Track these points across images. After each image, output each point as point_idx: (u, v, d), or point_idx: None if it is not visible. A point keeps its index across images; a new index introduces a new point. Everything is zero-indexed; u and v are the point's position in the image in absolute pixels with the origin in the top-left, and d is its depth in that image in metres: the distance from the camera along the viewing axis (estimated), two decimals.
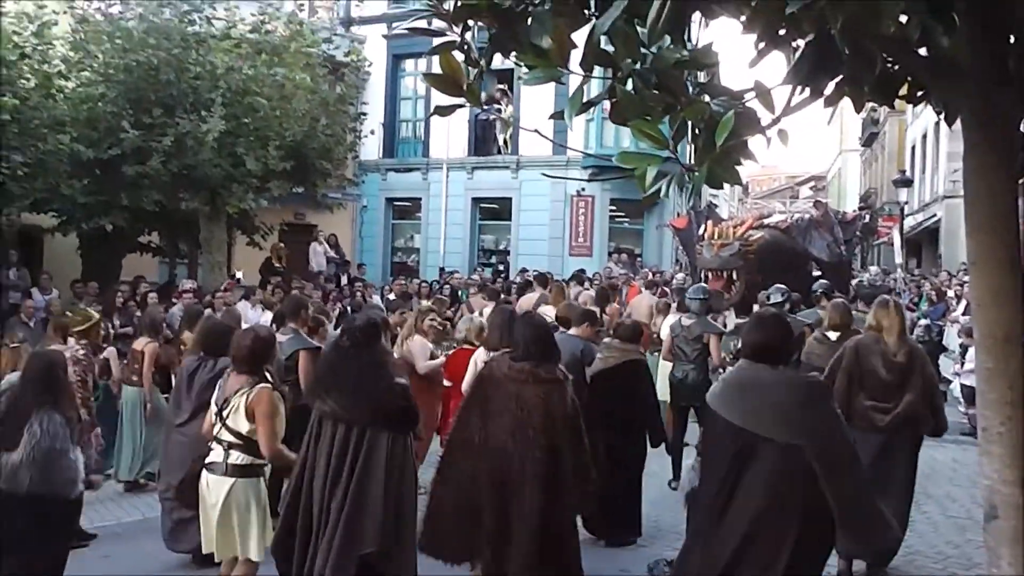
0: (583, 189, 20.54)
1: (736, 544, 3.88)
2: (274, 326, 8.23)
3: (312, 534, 4.62)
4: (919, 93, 3.66)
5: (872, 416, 6.14)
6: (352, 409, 4.62)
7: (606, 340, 7.64)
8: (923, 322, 14.50)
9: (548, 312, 8.95)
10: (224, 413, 4.89)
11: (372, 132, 19.56)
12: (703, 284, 10.93)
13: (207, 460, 4.97)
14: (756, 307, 12.38)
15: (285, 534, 4.75)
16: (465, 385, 6.91)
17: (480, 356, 6.87)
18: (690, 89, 2.87)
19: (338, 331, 4.98)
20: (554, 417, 4.89)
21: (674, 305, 11.16)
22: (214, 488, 4.89)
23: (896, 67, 3.38)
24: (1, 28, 12.22)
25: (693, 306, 9.19)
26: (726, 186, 21.69)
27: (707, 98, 2.84)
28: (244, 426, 4.84)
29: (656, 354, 9.93)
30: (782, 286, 10.21)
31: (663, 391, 8.88)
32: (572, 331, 7.32)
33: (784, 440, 3.89)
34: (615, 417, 6.81)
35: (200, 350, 6.43)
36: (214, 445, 4.95)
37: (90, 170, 13.48)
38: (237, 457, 4.88)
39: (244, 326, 14.15)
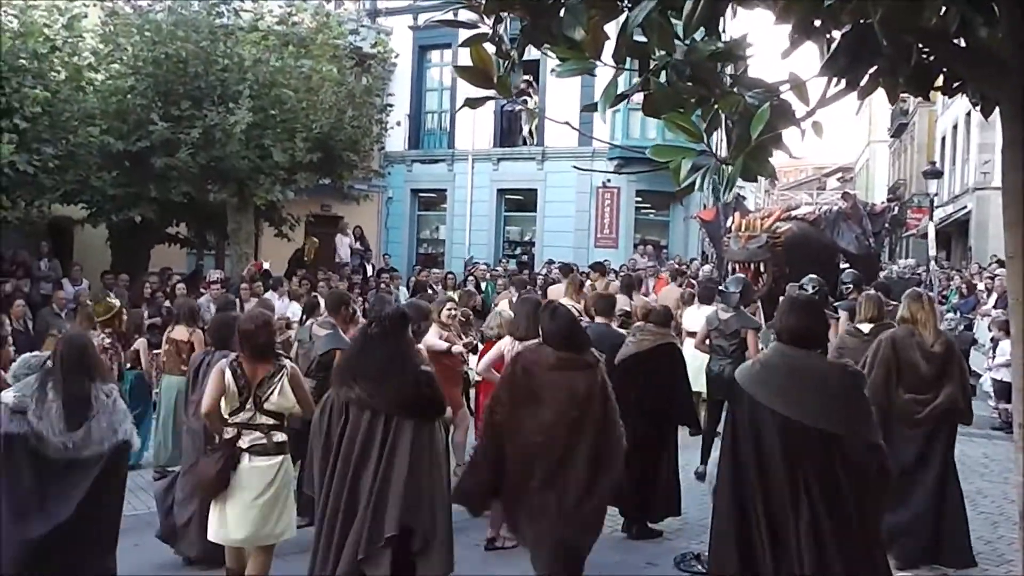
0: (609, 180, 20.47)
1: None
2: (304, 317, 8.25)
3: (337, 521, 4.60)
4: (955, 84, 3.61)
5: (913, 409, 6.13)
6: (377, 397, 4.62)
7: (638, 324, 7.56)
8: (949, 316, 14.34)
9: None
10: (261, 398, 4.99)
11: (398, 123, 19.59)
12: (741, 275, 10.75)
13: (245, 445, 5.00)
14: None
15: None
16: (482, 367, 6.94)
17: (506, 344, 6.86)
18: (724, 81, 2.84)
19: (366, 320, 5.00)
20: (593, 401, 5.07)
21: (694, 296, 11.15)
22: (265, 471, 5.01)
23: (932, 58, 3.33)
24: (32, 22, 12.36)
25: (730, 299, 9.10)
26: None
27: (741, 90, 2.81)
28: (290, 403, 5.04)
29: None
30: (815, 277, 10.13)
31: (695, 382, 8.83)
32: (599, 320, 7.36)
33: (826, 428, 3.89)
34: (650, 400, 6.76)
35: (209, 344, 6.45)
36: (246, 431, 5.01)
37: (119, 162, 13.61)
38: (277, 436, 5.06)
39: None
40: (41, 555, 4.67)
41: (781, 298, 9.91)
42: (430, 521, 4.61)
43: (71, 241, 16.52)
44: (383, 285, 16.10)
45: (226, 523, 5.04)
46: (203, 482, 5.10)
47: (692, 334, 9.86)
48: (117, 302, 8.81)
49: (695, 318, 10.13)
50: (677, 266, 16.59)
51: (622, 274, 14.87)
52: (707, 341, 8.95)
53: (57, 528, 4.69)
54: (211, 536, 5.18)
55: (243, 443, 5.01)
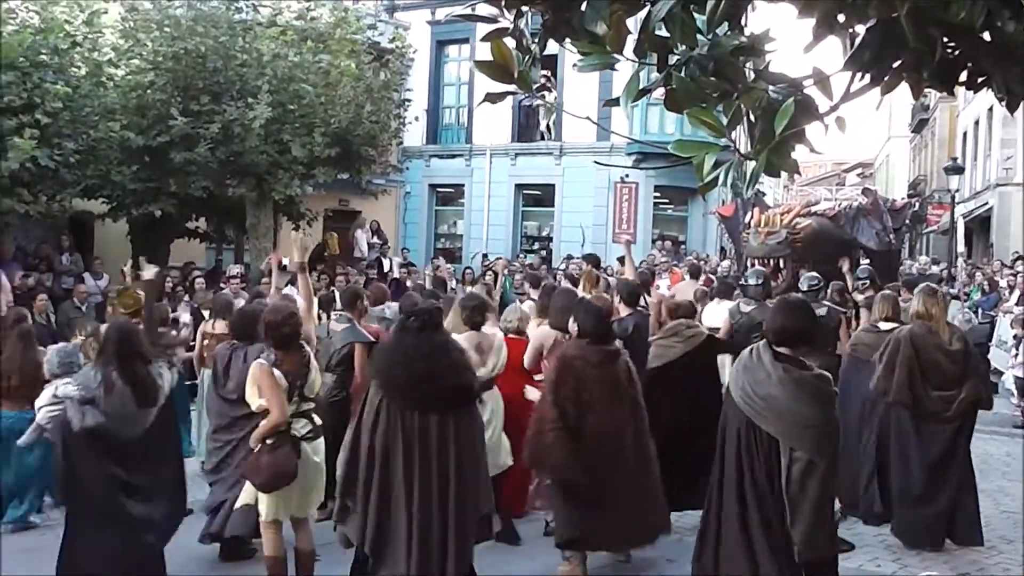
0: (627, 176, 20.42)
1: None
2: (320, 313, 8.24)
3: (407, 523, 4.55)
4: (980, 79, 3.56)
5: (942, 407, 6.33)
6: (428, 389, 4.65)
7: (671, 324, 7.43)
8: (967, 312, 14.20)
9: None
10: (303, 388, 5.27)
11: (416, 118, 19.59)
12: (761, 269, 10.68)
13: (299, 434, 5.25)
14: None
15: (378, 526, 4.62)
16: (530, 361, 6.87)
17: (542, 334, 6.88)
18: (747, 76, 2.82)
19: (402, 315, 5.09)
20: (636, 390, 5.65)
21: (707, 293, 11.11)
22: (316, 451, 5.37)
23: (957, 52, 3.30)
24: (53, 18, 12.44)
25: (752, 292, 9.12)
26: None
27: (764, 85, 2.79)
28: (318, 383, 5.46)
29: None
30: (815, 275, 10.10)
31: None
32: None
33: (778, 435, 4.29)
34: (695, 401, 6.77)
35: (234, 337, 6.47)
36: (295, 420, 5.25)
37: (139, 157, 13.69)
38: (316, 418, 5.42)
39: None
40: (143, 532, 5.08)
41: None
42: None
43: (92, 236, 16.64)
44: (407, 280, 16.15)
45: (289, 504, 5.32)
46: (279, 476, 5.17)
47: (713, 330, 9.82)
48: (143, 293, 8.79)
49: (715, 314, 10.08)
50: (696, 262, 16.49)
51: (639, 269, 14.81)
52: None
53: (153, 505, 5.12)
54: (267, 516, 5.30)
55: (297, 431, 5.26)
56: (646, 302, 9.41)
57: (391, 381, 4.68)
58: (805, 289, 9.57)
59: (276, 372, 5.12)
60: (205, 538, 6.29)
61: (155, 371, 5.22)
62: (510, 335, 6.98)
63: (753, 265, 13.97)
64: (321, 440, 5.44)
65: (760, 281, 9.14)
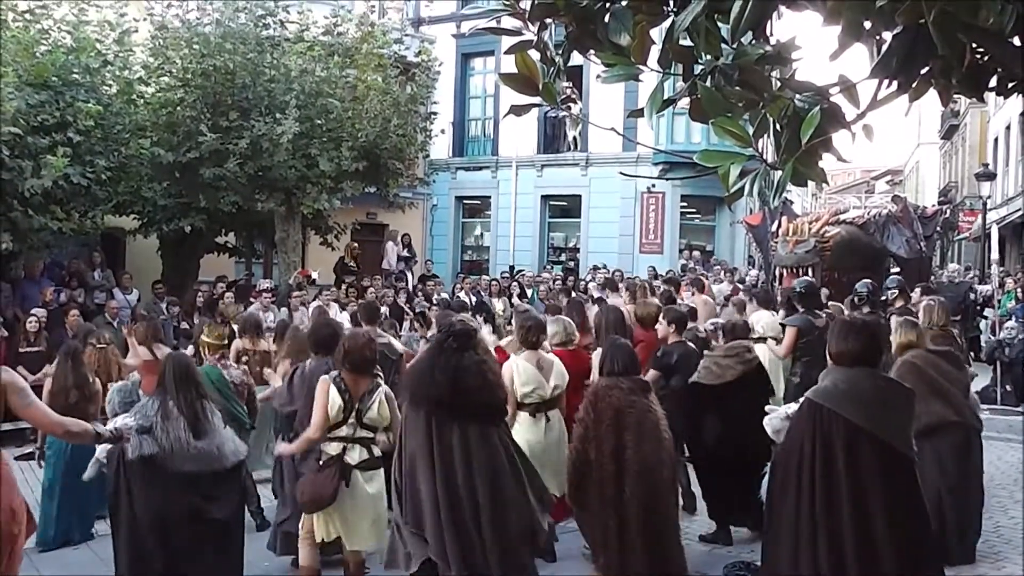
0: (653, 186, 20.39)
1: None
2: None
3: (461, 531, 4.63)
4: (1011, 85, 3.52)
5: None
6: (470, 404, 4.74)
7: (731, 344, 7.45)
8: (1010, 324, 14.00)
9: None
10: (363, 412, 5.24)
11: (442, 131, 19.66)
12: (807, 278, 10.59)
13: (354, 461, 5.23)
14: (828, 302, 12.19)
15: (442, 535, 4.68)
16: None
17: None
18: (772, 85, 2.80)
19: (440, 335, 5.11)
20: (663, 426, 5.60)
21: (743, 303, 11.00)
22: (373, 480, 5.30)
23: (987, 57, 3.26)
24: (85, 37, 12.62)
25: (797, 301, 9.19)
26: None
27: (790, 93, 2.77)
28: (385, 418, 5.33)
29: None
30: (869, 281, 10.07)
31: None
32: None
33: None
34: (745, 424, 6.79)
35: (313, 353, 6.39)
36: (351, 447, 5.23)
37: (170, 173, 13.84)
38: (376, 449, 5.37)
39: None
40: (194, 557, 5.04)
41: (830, 311, 9.86)
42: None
43: (123, 251, 16.84)
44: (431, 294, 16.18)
45: (327, 528, 5.29)
46: (317, 499, 5.19)
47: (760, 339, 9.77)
48: (228, 329, 8.63)
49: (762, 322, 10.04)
50: (700, 276, 15.90)
51: (661, 290, 14.58)
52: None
53: (204, 533, 5.07)
54: (319, 535, 5.35)
55: (351, 459, 5.21)
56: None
57: (426, 395, 4.76)
58: (864, 293, 9.67)
59: (332, 389, 5.19)
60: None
61: (209, 407, 5.32)
62: (558, 348, 6.99)
63: (783, 275, 13.93)
64: (379, 472, 5.37)
65: (807, 289, 9.26)
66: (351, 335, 5.58)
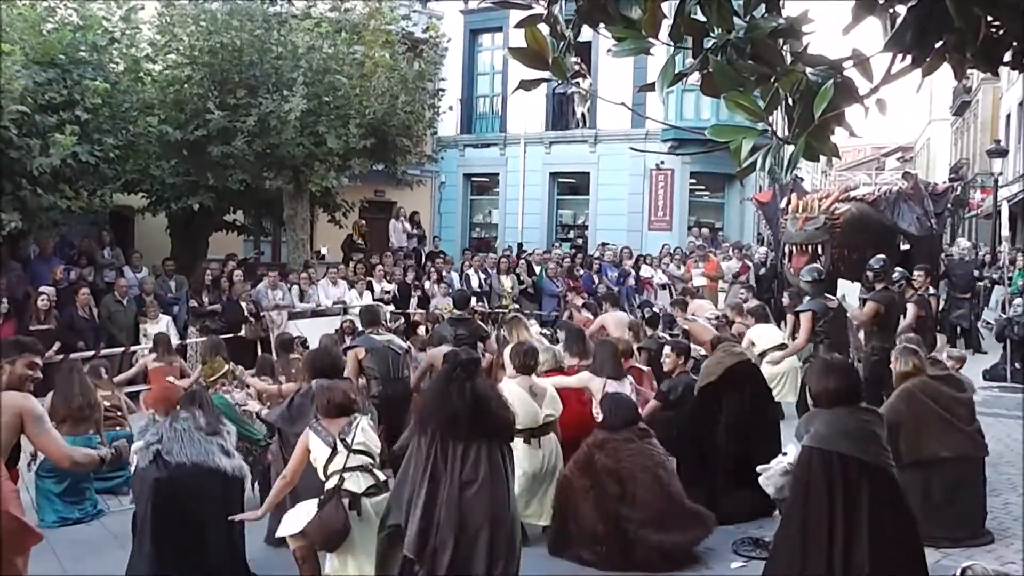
0: (662, 162, 20.28)
1: None
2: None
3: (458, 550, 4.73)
4: None
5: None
6: (476, 428, 4.84)
7: (718, 349, 7.88)
8: (1019, 301, 13.94)
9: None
10: (346, 439, 5.17)
11: (450, 108, 19.56)
12: (813, 265, 10.45)
13: (359, 490, 5.11)
14: (841, 282, 12.12)
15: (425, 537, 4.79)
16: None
17: (595, 383, 7.06)
18: (785, 59, 2.77)
19: (448, 365, 5.28)
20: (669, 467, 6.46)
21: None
22: (375, 506, 5.11)
23: (1002, 31, 3.22)
24: (91, 15, 12.58)
25: (808, 288, 9.25)
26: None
27: (802, 67, 2.74)
28: (375, 442, 5.30)
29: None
30: (882, 257, 10.07)
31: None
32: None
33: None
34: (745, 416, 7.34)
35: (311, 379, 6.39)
36: (350, 476, 5.12)
37: (178, 151, 13.82)
38: (380, 474, 5.29)
39: (326, 302, 14.31)
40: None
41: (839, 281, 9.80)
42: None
43: (132, 230, 16.87)
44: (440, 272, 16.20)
45: (345, 564, 5.14)
46: (330, 534, 5.10)
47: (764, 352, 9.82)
48: (226, 365, 8.64)
49: (764, 336, 10.11)
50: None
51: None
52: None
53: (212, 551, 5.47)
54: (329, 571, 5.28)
55: (356, 487, 5.10)
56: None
57: (439, 422, 4.87)
58: (876, 269, 9.73)
59: (312, 439, 5.20)
60: None
61: (223, 428, 5.67)
62: (548, 373, 7.13)
63: (792, 252, 13.86)
64: (387, 497, 5.20)
65: (817, 277, 9.46)
66: (325, 387, 5.54)
